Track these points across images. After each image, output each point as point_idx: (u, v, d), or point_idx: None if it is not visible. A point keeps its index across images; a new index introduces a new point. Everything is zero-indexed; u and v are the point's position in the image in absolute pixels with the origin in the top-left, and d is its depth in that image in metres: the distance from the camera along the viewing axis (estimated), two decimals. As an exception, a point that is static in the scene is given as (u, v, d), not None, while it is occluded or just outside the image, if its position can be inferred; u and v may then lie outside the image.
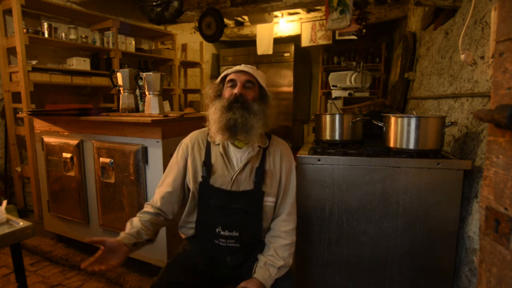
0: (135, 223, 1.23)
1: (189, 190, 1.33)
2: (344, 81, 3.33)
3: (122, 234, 1.18)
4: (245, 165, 1.27)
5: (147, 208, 1.31)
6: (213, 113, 1.27)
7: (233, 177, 1.26)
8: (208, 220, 1.28)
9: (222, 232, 1.25)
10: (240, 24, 5.31)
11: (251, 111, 1.24)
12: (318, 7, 4.31)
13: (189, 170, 1.32)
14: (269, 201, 1.28)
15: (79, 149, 2.22)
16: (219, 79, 1.33)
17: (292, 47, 4.85)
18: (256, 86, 1.30)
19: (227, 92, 1.28)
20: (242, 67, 1.30)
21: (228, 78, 1.30)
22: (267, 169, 1.30)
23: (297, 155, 1.56)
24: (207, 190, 1.27)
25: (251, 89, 1.28)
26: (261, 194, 1.26)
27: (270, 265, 1.19)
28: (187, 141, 1.37)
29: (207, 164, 1.28)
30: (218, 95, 1.31)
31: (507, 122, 0.58)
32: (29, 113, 2.37)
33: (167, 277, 1.18)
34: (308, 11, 4.64)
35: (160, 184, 1.36)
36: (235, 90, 1.25)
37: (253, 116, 1.24)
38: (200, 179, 1.29)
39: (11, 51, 2.99)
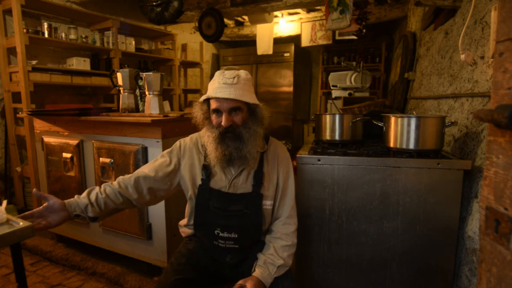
0: (92, 195, 1.21)
1: (174, 192, 1.35)
2: (344, 81, 3.32)
3: (72, 199, 1.19)
4: (242, 170, 1.28)
5: (116, 184, 1.26)
6: (207, 140, 1.24)
7: (230, 181, 1.27)
8: (207, 222, 1.28)
9: (221, 234, 1.26)
10: (240, 24, 5.31)
11: (243, 139, 1.21)
12: (318, 7, 4.30)
13: (186, 174, 1.31)
14: (267, 204, 1.28)
15: (79, 149, 2.22)
16: (202, 99, 1.24)
17: (292, 47, 4.86)
18: (244, 106, 1.21)
19: (214, 119, 1.22)
20: (222, 91, 1.15)
21: (212, 107, 1.21)
22: (265, 172, 1.30)
23: (297, 155, 1.56)
24: (207, 192, 1.27)
25: (239, 113, 1.20)
26: (259, 197, 1.27)
27: (269, 264, 1.20)
28: (186, 142, 1.36)
29: (207, 167, 1.28)
30: (207, 117, 1.26)
31: (507, 122, 0.58)
32: (29, 113, 2.37)
33: (173, 275, 1.19)
34: (308, 11, 4.64)
35: (141, 168, 1.33)
36: (222, 123, 1.18)
37: (247, 143, 1.21)
38: (199, 182, 1.29)
39: (11, 51, 2.99)
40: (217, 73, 1.23)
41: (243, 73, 1.23)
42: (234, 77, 1.18)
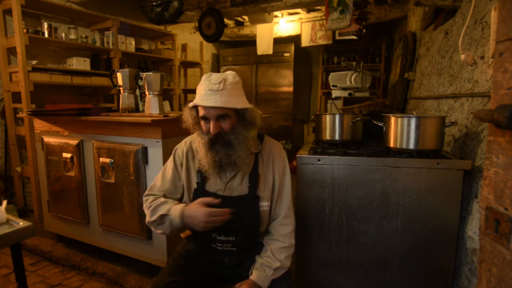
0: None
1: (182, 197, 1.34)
2: (344, 81, 3.32)
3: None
4: (237, 172, 1.27)
5: (158, 198, 1.29)
6: (198, 146, 1.25)
7: (225, 184, 1.26)
8: None
9: (218, 237, 1.25)
10: (240, 24, 5.31)
11: (232, 146, 1.19)
12: (318, 7, 4.30)
13: (183, 179, 1.32)
14: (263, 205, 1.27)
15: (79, 149, 2.22)
16: (190, 105, 1.23)
17: (292, 47, 4.85)
18: (232, 112, 1.19)
19: (203, 125, 1.22)
20: (208, 98, 1.14)
21: (200, 114, 1.20)
22: (260, 173, 1.28)
23: (297, 155, 1.56)
24: (202, 195, 1.25)
25: (227, 119, 1.18)
26: (256, 199, 1.25)
27: (266, 266, 1.19)
28: (181, 148, 1.35)
29: (202, 171, 1.28)
30: (197, 122, 1.25)
31: (507, 122, 0.58)
32: (29, 113, 2.37)
33: (168, 276, 1.19)
34: (308, 11, 4.64)
35: (156, 183, 1.34)
36: (211, 130, 1.18)
37: (237, 149, 1.20)
38: (195, 185, 1.29)
39: (11, 51, 2.99)
40: (203, 77, 1.20)
41: (230, 76, 1.20)
42: (220, 82, 1.15)
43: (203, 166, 1.25)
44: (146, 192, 1.34)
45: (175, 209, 1.19)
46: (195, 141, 1.28)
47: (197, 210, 1.15)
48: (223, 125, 1.19)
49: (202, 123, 1.22)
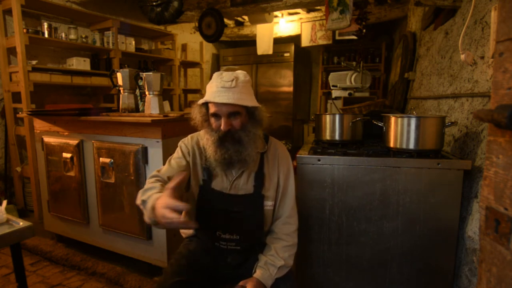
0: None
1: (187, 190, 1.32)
2: (344, 81, 3.32)
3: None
4: (243, 171, 1.28)
5: (155, 182, 1.15)
6: (206, 143, 1.24)
7: (231, 182, 1.27)
8: (208, 223, 1.28)
9: (222, 235, 1.26)
10: (240, 24, 5.30)
11: (243, 143, 1.20)
12: (318, 7, 4.30)
13: (191, 172, 1.31)
14: (268, 205, 1.28)
15: (79, 149, 2.22)
16: (200, 102, 1.23)
17: (292, 47, 4.85)
18: (243, 110, 1.20)
19: (213, 122, 1.22)
20: (220, 95, 1.14)
21: (210, 111, 1.21)
22: (265, 172, 1.29)
23: (297, 155, 1.56)
24: (208, 193, 1.27)
25: (238, 117, 1.19)
26: (261, 198, 1.26)
27: (270, 265, 1.20)
28: (188, 141, 1.35)
29: (208, 168, 1.28)
30: (206, 119, 1.25)
31: (507, 122, 0.58)
32: (29, 113, 2.38)
33: (172, 276, 1.18)
34: (308, 11, 4.64)
35: (162, 168, 1.27)
36: (221, 127, 1.18)
37: (247, 146, 1.20)
38: (201, 182, 1.29)
39: (11, 51, 2.99)
40: (215, 75, 1.21)
41: (241, 74, 1.21)
42: (232, 80, 1.16)
43: (211, 163, 1.25)
44: (152, 174, 1.23)
45: (154, 198, 1.01)
46: (203, 138, 1.27)
47: (161, 200, 0.97)
48: (234, 123, 1.19)
49: (212, 120, 1.22)
